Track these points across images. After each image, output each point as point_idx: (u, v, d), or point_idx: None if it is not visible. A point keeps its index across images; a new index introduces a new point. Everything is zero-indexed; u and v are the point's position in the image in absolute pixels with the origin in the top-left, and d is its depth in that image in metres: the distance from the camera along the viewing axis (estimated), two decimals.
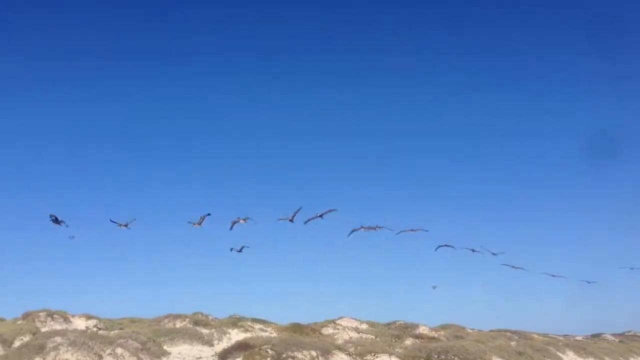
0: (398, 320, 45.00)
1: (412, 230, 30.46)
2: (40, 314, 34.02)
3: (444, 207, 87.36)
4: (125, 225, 26.61)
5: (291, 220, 27.95)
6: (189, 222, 27.88)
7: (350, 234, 28.98)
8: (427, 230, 31.07)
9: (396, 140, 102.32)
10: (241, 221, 28.08)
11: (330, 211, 27.64)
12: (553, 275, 35.30)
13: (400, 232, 30.51)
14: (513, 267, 33.85)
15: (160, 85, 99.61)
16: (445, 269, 71.53)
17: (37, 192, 78.78)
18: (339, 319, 42.10)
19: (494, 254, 33.87)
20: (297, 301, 68.58)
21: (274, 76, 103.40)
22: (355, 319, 42.82)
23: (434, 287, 37.60)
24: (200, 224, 27.89)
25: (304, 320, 40.35)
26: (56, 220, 24.87)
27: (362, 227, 28.87)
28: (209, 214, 27.81)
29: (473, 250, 33.11)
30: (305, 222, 27.93)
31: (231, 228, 28.18)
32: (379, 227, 29.05)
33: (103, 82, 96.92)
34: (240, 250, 30.24)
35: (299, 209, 27.80)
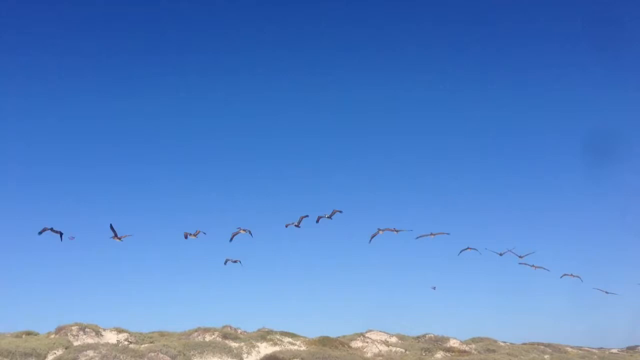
0: (428, 333, 44.42)
1: (431, 234, 30.10)
2: (73, 327, 34.49)
3: (443, 207, 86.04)
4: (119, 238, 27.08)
5: (297, 226, 28.26)
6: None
7: (371, 239, 28.96)
8: (448, 233, 30.79)
9: (396, 139, 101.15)
10: (241, 231, 28.32)
11: (334, 212, 27.85)
12: (572, 276, 34.52)
13: (420, 236, 30.18)
14: (533, 266, 33.06)
15: (161, 85, 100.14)
16: (473, 278, 70.72)
17: (61, 201, 79.61)
18: (367, 332, 41.80)
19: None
20: (325, 313, 68.22)
21: (275, 75, 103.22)
22: (384, 332, 42.46)
23: (433, 288, 37.38)
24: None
25: (332, 333, 40.16)
26: (55, 232, 25.35)
27: (379, 230, 28.86)
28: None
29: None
30: (317, 221, 28.18)
31: (231, 240, 28.41)
32: (397, 230, 28.94)
33: (103, 82, 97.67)
34: (233, 261, 30.65)
35: (306, 215, 28.07)
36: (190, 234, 28.31)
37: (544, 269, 33.39)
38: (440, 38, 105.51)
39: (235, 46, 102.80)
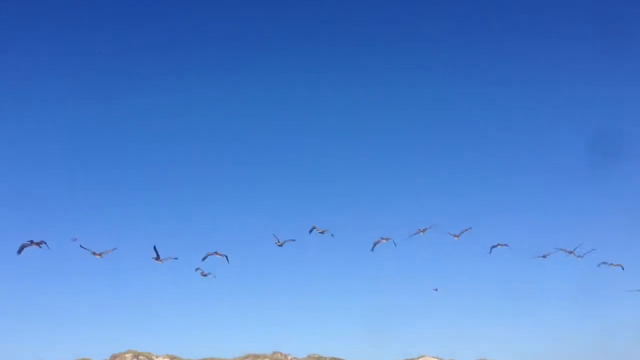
0: (483, 358, 43.19)
1: (455, 236, 29.89)
2: (127, 355, 35.15)
3: (443, 206, 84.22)
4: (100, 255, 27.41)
5: (280, 245, 29.03)
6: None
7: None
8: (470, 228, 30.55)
9: (396, 139, 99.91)
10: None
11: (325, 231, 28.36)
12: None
13: (451, 234, 29.94)
14: (611, 264, 32.15)
15: (161, 84, 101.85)
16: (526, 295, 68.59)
17: (61, 204, 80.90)
18: (419, 357, 40.95)
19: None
20: (375, 338, 67.14)
21: (275, 75, 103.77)
22: (437, 358, 41.51)
23: (435, 290, 37.11)
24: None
25: (383, 358, 39.52)
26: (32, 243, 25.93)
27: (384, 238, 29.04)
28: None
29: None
30: (310, 231, 28.77)
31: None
32: (423, 230, 28.99)
33: (103, 82, 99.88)
34: (205, 275, 31.05)
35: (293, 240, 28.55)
36: (158, 259, 28.66)
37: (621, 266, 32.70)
38: (442, 37, 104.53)
39: (235, 46, 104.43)
